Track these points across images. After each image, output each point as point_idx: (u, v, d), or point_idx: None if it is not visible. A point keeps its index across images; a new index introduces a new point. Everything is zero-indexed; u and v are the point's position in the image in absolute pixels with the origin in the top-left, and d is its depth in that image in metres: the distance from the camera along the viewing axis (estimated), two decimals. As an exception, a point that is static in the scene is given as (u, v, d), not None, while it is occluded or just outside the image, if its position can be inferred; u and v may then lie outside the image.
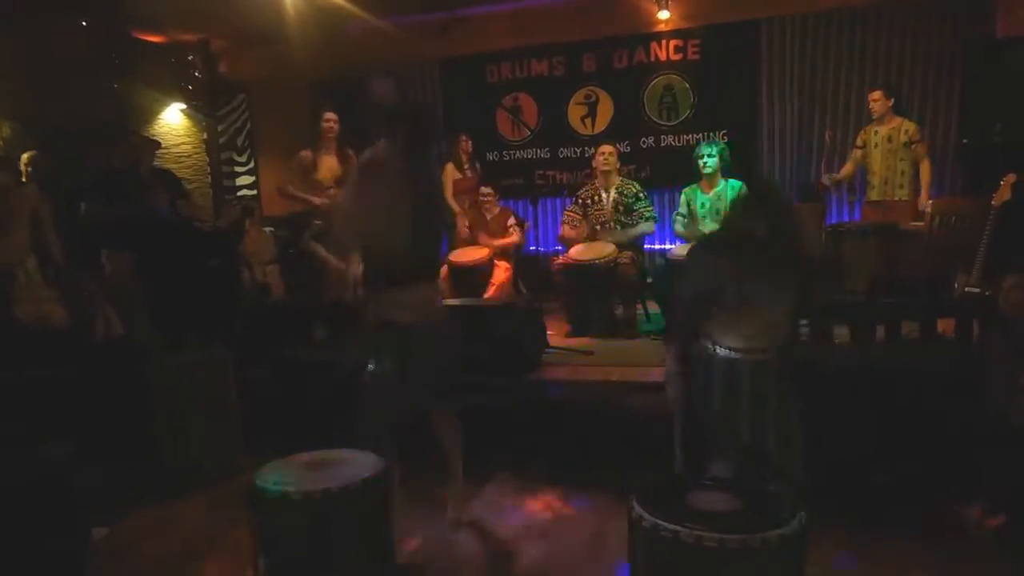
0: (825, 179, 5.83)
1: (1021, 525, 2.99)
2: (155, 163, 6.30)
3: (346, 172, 5.51)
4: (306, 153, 5.54)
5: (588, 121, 7.67)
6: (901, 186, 5.54)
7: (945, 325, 4.09)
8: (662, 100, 7.39)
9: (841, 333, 4.14)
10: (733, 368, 2.53)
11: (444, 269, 6.03)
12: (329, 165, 5.56)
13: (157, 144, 6.40)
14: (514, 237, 6.21)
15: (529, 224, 6.57)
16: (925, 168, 5.50)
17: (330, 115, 5.56)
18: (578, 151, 7.63)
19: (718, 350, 2.55)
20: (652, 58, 7.34)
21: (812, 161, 6.76)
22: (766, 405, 2.50)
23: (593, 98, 7.63)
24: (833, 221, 6.22)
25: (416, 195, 2.85)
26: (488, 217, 6.30)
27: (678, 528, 1.93)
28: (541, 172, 7.83)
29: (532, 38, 7.56)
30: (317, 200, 5.51)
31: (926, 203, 5.32)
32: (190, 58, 7.83)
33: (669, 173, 6.98)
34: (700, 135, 7.12)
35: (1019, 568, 2.88)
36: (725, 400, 2.54)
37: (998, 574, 2.88)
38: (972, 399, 3.29)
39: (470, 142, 6.92)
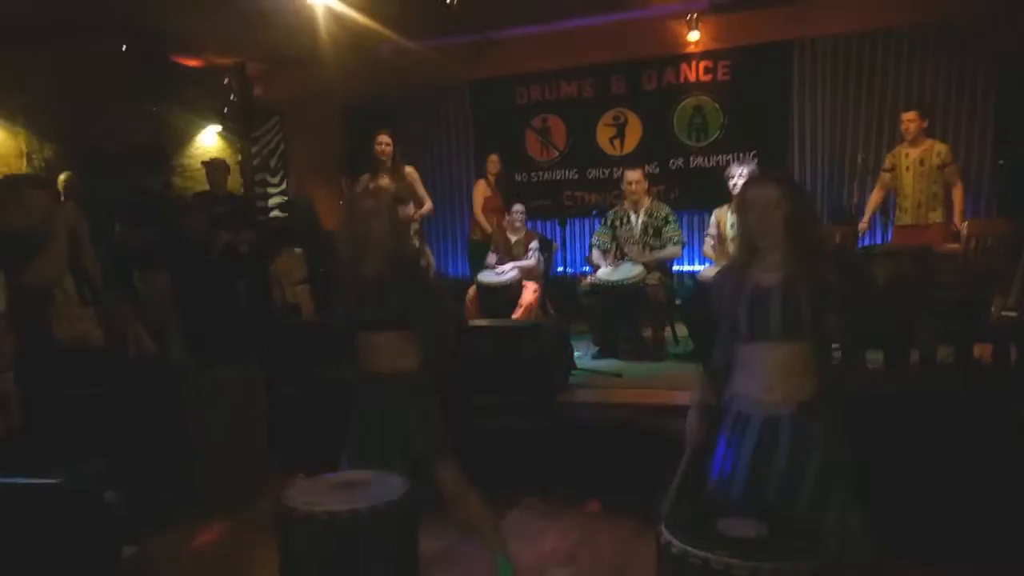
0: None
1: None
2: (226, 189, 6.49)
3: (401, 190, 5.60)
4: (365, 176, 5.62)
5: (617, 142, 7.68)
6: (934, 209, 5.44)
7: (982, 350, 4.01)
8: (692, 121, 7.38)
9: (874, 357, 4.07)
10: (769, 421, 2.21)
11: (472, 289, 6.06)
12: (384, 185, 5.64)
13: (225, 165, 6.53)
14: (531, 261, 6.21)
15: (557, 245, 6.57)
16: (958, 191, 5.40)
17: (383, 137, 5.65)
18: (607, 172, 7.64)
19: (749, 406, 2.24)
20: (682, 79, 7.35)
21: (844, 183, 6.69)
22: (806, 465, 2.17)
23: (622, 119, 7.64)
24: (866, 243, 6.14)
25: None
26: (513, 240, 6.32)
27: (708, 555, 1.89)
28: (570, 193, 7.85)
29: (562, 60, 7.61)
30: None
31: (961, 225, 5.23)
32: (226, 81, 7.99)
33: (699, 194, 6.95)
34: (730, 156, 7.08)
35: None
36: (756, 457, 2.22)
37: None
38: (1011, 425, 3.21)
39: (499, 163, 6.96)
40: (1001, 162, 5.84)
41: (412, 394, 2.75)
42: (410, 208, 5.69)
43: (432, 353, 2.78)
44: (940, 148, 5.46)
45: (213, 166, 6.39)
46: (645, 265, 5.39)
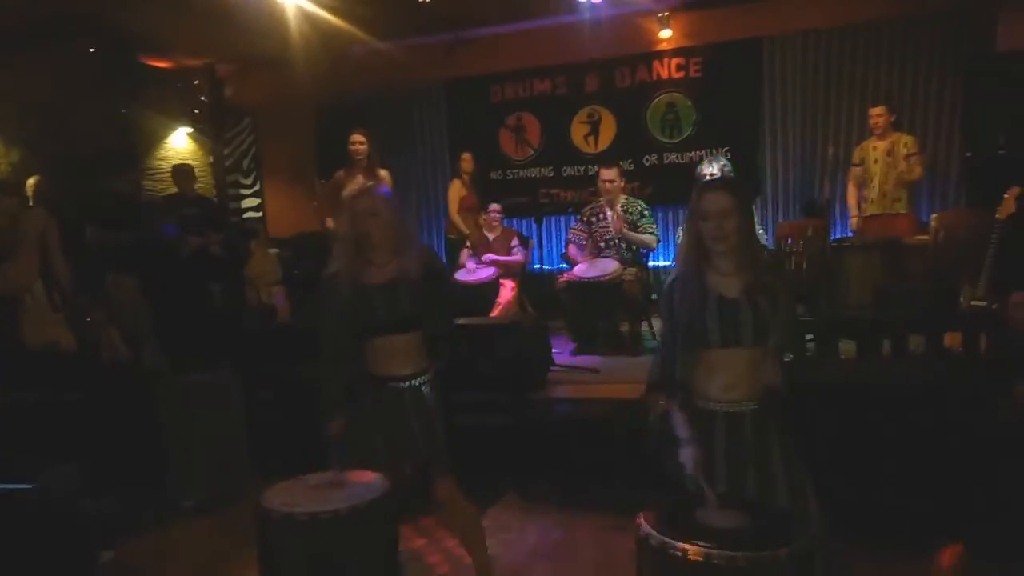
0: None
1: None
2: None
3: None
4: (340, 173, 5.57)
5: (591, 139, 7.71)
6: (898, 199, 5.53)
7: (952, 339, 4.07)
8: (664, 118, 7.43)
9: (847, 348, 4.12)
10: (732, 417, 2.26)
11: (449, 288, 6.06)
12: (357, 183, 5.59)
13: (191, 169, 6.48)
14: (519, 257, 6.24)
15: (533, 243, 6.58)
16: (916, 172, 5.46)
17: (357, 136, 5.57)
18: (581, 169, 7.66)
19: (711, 404, 2.27)
20: (654, 76, 7.39)
21: (815, 177, 6.76)
22: (771, 457, 2.25)
23: (596, 117, 7.67)
24: (837, 236, 6.22)
25: None
26: (491, 237, 6.32)
27: (687, 546, 1.91)
28: (545, 191, 7.86)
29: (535, 58, 7.63)
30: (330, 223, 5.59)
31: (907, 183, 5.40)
32: (196, 82, 7.92)
33: (672, 190, 6.99)
34: (703, 152, 7.14)
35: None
36: (727, 454, 2.26)
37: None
38: (980, 413, 3.27)
39: (472, 161, 6.94)
40: (969, 154, 5.93)
41: (422, 398, 2.69)
42: None
43: (437, 351, 2.73)
44: (907, 139, 5.55)
45: (180, 171, 6.33)
46: (621, 260, 5.41)
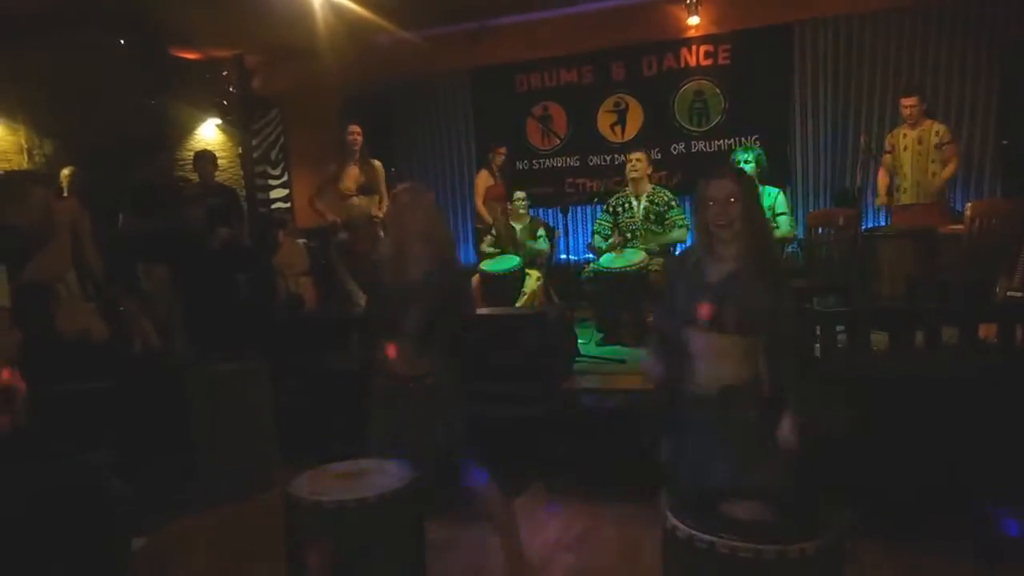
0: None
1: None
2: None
3: (368, 180, 5.71)
4: (333, 165, 5.74)
5: (618, 129, 7.65)
6: (934, 190, 5.42)
7: (987, 330, 3.99)
8: (693, 106, 7.34)
9: (879, 339, 4.06)
10: (723, 407, 2.27)
11: (476, 278, 6.06)
12: (353, 174, 5.77)
13: (213, 156, 6.54)
14: (544, 248, 6.24)
15: (559, 233, 6.56)
16: (950, 168, 5.35)
17: (354, 128, 5.82)
18: (608, 159, 7.61)
19: (700, 389, 2.30)
20: (682, 64, 7.31)
21: (847, 165, 6.66)
22: (747, 440, 2.25)
23: (623, 105, 7.60)
24: (869, 225, 6.12)
25: None
26: (518, 228, 6.31)
27: (713, 539, 1.90)
28: (571, 180, 7.82)
29: (561, 47, 7.57)
30: (330, 216, 5.78)
31: (940, 188, 5.30)
32: (225, 74, 7.98)
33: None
34: (731, 140, 7.06)
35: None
36: (703, 441, 2.29)
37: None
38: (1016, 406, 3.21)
39: (504, 154, 6.93)
40: (1005, 142, 5.80)
41: (436, 396, 2.72)
42: (375, 203, 5.78)
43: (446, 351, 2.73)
44: (939, 128, 5.42)
45: (201, 158, 6.39)
46: (648, 251, 5.38)
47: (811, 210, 6.64)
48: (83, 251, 3.70)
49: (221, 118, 8.00)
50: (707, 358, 2.28)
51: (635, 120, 7.59)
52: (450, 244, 2.97)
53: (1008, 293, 4.12)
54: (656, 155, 7.27)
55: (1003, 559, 2.94)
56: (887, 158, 5.63)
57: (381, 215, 5.62)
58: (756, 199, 2.37)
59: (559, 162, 7.89)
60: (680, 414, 2.35)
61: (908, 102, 5.45)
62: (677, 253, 2.50)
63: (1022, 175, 5.56)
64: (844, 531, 2.00)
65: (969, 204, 5.22)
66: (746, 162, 5.32)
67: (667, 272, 2.43)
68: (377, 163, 5.91)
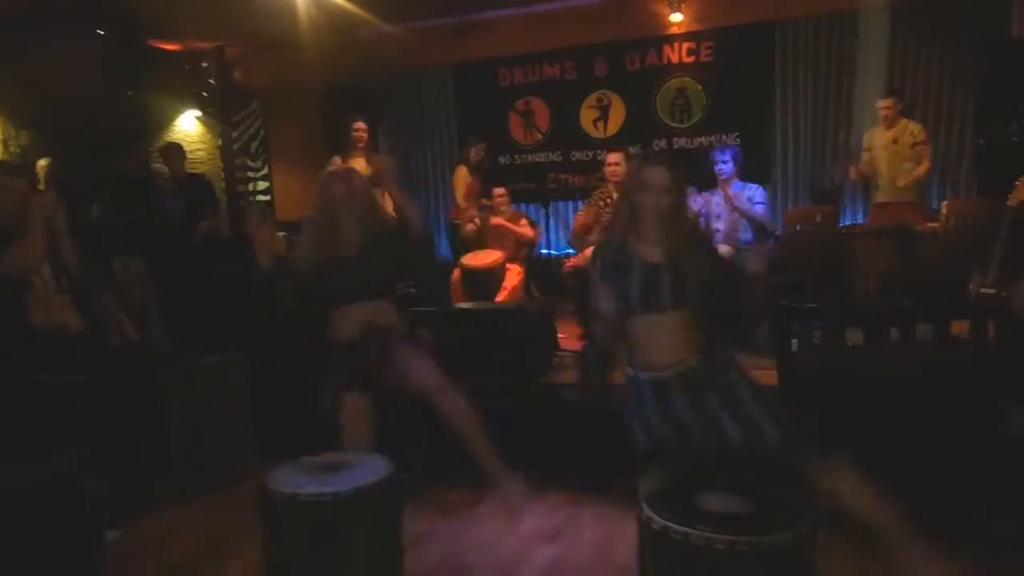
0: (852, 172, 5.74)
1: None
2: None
3: (374, 173, 5.64)
4: (336, 159, 5.65)
5: (600, 124, 7.67)
6: (907, 188, 5.49)
7: (960, 327, 4.04)
8: (675, 102, 7.38)
9: (854, 336, 4.10)
10: (681, 378, 2.31)
11: (456, 272, 6.06)
12: (360, 167, 5.67)
13: (181, 148, 6.48)
14: (528, 231, 6.20)
15: (541, 228, 6.56)
16: (922, 168, 5.41)
17: (360, 124, 5.75)
18: (590, 155, 7.63)
19: (646, 373, 2.35)
20: (664, 61, 7.34)
21: (826, 163, 6.72)
22: (742, 400, 2.29)
23: (605, 101, 7.62)
24: (847, 223, 6.18)
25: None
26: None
27: (688, 530, 1.92)
28: (553, 176, 7.83)
29: (544, 42, 7.58)
30: None
31: (908, 184, 5.34)
32: (204, 65, 7.90)
33: (682, 175, 6.93)
34: (713, 138, 7.10)
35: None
36: (696, 413, 2.31)
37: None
38: (987, 402, 3.25)
39: (482, 152, 6.88)
40: (981, 141, 5.87)
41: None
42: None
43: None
44: (913, 127, 5.49)
45: (170, 150, 6.34)
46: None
47: (790, 207, 6.69)
48: (59, 244, 3.66)
49: (201, 110, 7.92)
50: (649, 338, 2.35)
51: (618, 116, 7.61)
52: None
53: (982, 290, 4.18)
54: (638, 151, 7.27)
55: (972, 550, 2.99)
56: (865, 156, 5.69)
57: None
58: (683, 187, 2.47)
59: (541, 157, 7.90)
60: (644, 402, 2.39)
61: (884, 104, 5.52)
62: (596, 249, 2.55)
63: (997, 175, 5.63)
64: (818, 523, 2.03)
65: (945, 202, 5.30)
66: (724, 162, 5.33)
67: (592, 268, 2.47)
68: (382, 156, 5.88)
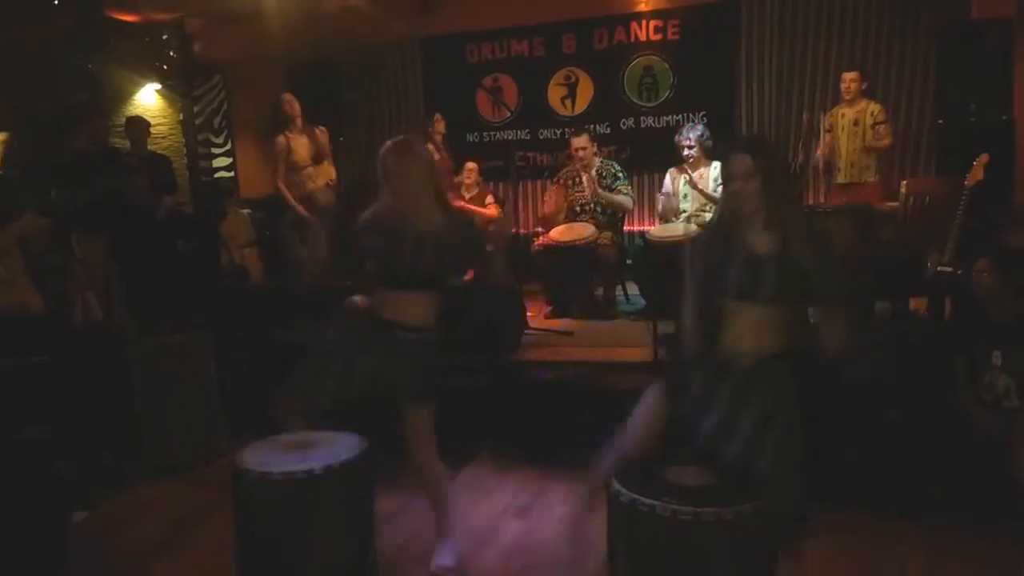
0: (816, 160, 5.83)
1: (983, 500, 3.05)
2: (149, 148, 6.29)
3: (318, 149, 5.59)
4: (280, 139, 5.61)
5: (568, 102, 7.67)
6: (867, 167, 5.61)
7: (918, 304, 4.16)
8: (642, 81, 7.39)
9: (816, 313, 4.18)
10: (743, 374, 2.26)
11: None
12: (302, 144, 5.65)
13: (147, 124, 6.33)
14: (492, 211, 6.23)
15: (508, 206, 6.57)
16: (883, 144, 5.56)
17: (288, 96, 5.70)
18: (558, 132, 7.62)
19: (723, 354, 2.30)
20: (632, 39, 7.34)
21: (790, 142, 6.79)
22: (768, 416, 2.21)
23: (573, 79, 7.61)
24: (810, 203, 6.27)
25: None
26: (467, 197, 6.30)
27: (654, 502, 1.97)
28: (522, 154, 7.81)
29: (513, 18, 7.53)
30: (302, 211, 5.54)
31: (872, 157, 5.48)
32: (164, 37, 7.69)
33: (649, 154, 6.99)
34: (680, 116, 7.13)
35: (984, 544, 2.95)
36: (730, 406, 2.25)
37: (968, 548, 2.95)
38: (944, 377, 3.36)
39: (443, 122, 6.87)
40: (940, 122, 5.98)
41: (422, 347, 2.74)
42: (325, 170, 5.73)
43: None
44: (874, 108, 5.61)
45: (134, 124, 6.19)
46: (596, 224, 5.43)
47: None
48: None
49: (160, 83, 7.73)
50: (734, 323, 2.31)
51: (585, 94, 7.61)
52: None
53: (939, 268, 4.29)
54: (605, 129, 7.32)
55: (922, 518, 3.10)
56: (827, 137, 5.78)
57: (334, 182, 5.57)
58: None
59: (510, 135, 7.87)
60: (704, 379, 2.33)
61: (849, 76, 5.63)
62: (704, 227, 2.47)
63: (956, 154, 5.75)
64: (783, 496, 2.09)
65: (904, 182, 5.40)
66: (689, 146, 5.37)
67: (696, 244, 2.44)
68: (321, 130, 5.79)
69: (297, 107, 5.65)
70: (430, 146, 6.76)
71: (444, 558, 2.86)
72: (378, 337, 2.73)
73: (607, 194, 5.51)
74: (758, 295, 2.24)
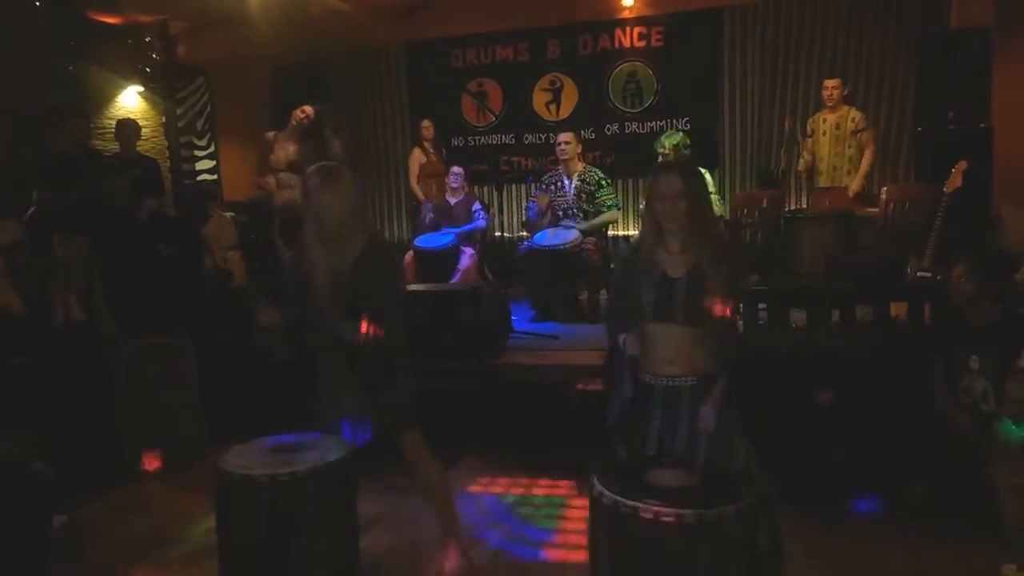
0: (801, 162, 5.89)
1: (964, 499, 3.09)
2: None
3: (302, 160, 5.54)
4: (270, 134, 5.58)
5: (553, 107, 7.69)
6: (848, 173, 5.66)
7: (898, 309, 4.21)
8: (626, 87, 7.43)
9: (798, 317, 4.23)
10: (671, 391, 2.35)
11: (409, 255, 6.04)
12: (287, 150, 5.60)
13: (137, 126, 6.29)
14: (480, 223, 6.25)
15: (494, 211, 6.59)
16: (868, 155, 5.61)
17: (308, 108, 5.62)
18: (543, 137, 7.64)
19: (649, 377, 2.37)
20: (616, 45, 7.38)
21: (772, 148, 6.85)
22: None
23: (558, 84, 7.64)
24: (791, 208, 6.33)
25: None
26: (453, 202, 6.31)
27: (637, 504, 1.98)
28: (506, 158, 7.83)
29: (498, 23, 7.55)
30: (279, 203, 5.54)
31: (856, 189, 5.48)
32: (148, 40, 7.65)
33: (633, 160, 7.02)
34: (663, 122, 7.17)
35: (963, 545, 2.99)
36: (663, 422, 2.35)
37: (948, 548, 2.99)
38: (923, 381, 3.39)
39: (432, 127, 6.89)
40: (920, 129, 6.06)
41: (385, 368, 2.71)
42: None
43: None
44: (855, 114, 5.66)
45: (124, 126, 6.15)
46: (582, 231, 5.46)
47: (738, 192, 6.83)
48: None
49: (143, 85, 7.68)
50: (656, 345, 2.36)
51: (570, 99, 7.64)
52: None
53: (918, 273, 4.35)
54: (590, 135, 7.34)
55: (903, 519, 3.14)
56: (808, 142, 5.84)
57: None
58: (700, 193, 2.43)
59: (494, 139, 7.88)
60: (635, 392, 2.40)
61: (831, 83, 5.68)
62: (629, 243, 2.53)
63: (935, 161, 5.83)
64: (762, 497, 2.11)
65: (885, 188, 5.47)
66: (663, 153, 5.41)
67: (619, 263, 2.51)
68: (336, 143, 5.72)
69: (307, 122, 5.60)
70: (418, 150, 6.80)
71: (449, 559, 2.86)
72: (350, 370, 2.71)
73: (594, 221, 5.53)
74: (673, 316, 2.32)
